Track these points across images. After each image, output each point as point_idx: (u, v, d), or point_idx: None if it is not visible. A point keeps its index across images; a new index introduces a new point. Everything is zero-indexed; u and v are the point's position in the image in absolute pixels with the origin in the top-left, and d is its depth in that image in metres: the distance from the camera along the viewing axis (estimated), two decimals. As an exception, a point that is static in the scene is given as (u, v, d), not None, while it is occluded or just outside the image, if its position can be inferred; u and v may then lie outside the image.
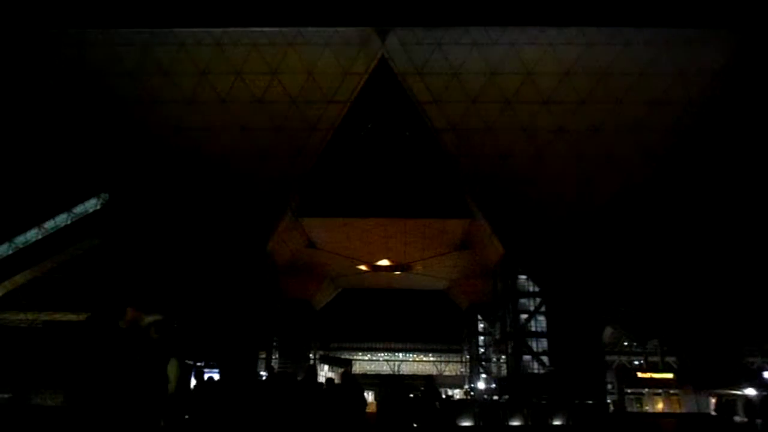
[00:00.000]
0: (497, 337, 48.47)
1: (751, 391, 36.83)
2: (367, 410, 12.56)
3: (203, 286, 38.32)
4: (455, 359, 78.72)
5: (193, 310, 38.44)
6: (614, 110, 34.39)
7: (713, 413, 35.65)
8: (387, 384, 12.15)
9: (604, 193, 36.96)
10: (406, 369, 76.09)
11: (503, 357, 43.78)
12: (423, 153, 38.99)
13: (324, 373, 68.19)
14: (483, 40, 33.12)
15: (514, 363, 39.21)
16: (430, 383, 13.20)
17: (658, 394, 47.06)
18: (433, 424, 11.91)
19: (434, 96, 34.42)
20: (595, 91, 33.97)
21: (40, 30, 33.36)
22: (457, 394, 65.48)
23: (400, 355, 79.77)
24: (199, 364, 34.31)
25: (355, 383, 12.10)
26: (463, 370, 75.00)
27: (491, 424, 27.77)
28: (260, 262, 39.77)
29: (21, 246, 46.76)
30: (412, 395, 12.88)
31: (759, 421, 18.83)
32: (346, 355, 77.87)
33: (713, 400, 45.32)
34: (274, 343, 47.70)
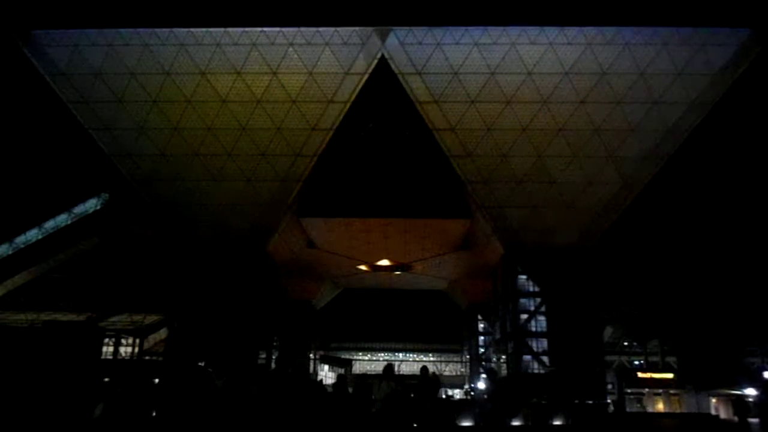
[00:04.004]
0: (497, 337, 48.45)
1: (751, 391, 36.86)
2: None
3: (204, 286, 38.33)
4: (455, 359, 78.73)
5: (193, 310, 38.46)
6: (614, 110, 34.37)
7: (733, 416, 35.47)
8: (389, 378, 11.48)
9: (604, 194, 36.93)
10: (406, 369, 76.08)
11: (503, 357, 43.74)
12: (423, 153, 38.96)
13: (324, 372, 68.20)
14: (483, 40, 33.14)
15: (514, 363, 39.18)
16: (424, 374, 12.68)
17: (658, 394, 47.08)
18: (431, 422, 11.79)
19: (434, 96, 34.41)
20: (595, 91, 33.96)
21: (38, 29, 33.42)
22: (457, 394, 65.45)
23: (400, 355, 79.74)
24: (200, 364, 34.32)
25: (363, 383, 12.03)
26: (463, 370, 74.98)
27: (491, 424, 27.72)
28: (261, 262, 39.77)
29: (21, 246, 46.80)
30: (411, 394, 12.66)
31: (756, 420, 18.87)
32: (346, 355, 77.86)
33: (713, 401, 45.34)
34: (275, 343, 47.64)
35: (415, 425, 12.14)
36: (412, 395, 11.90)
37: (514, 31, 33.00)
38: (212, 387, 10.07)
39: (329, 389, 13.06)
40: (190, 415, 9.19)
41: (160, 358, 44.83)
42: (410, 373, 65.41)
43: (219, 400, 9.62)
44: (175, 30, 32.99)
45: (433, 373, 13.72)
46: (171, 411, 9.09)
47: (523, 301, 40.60)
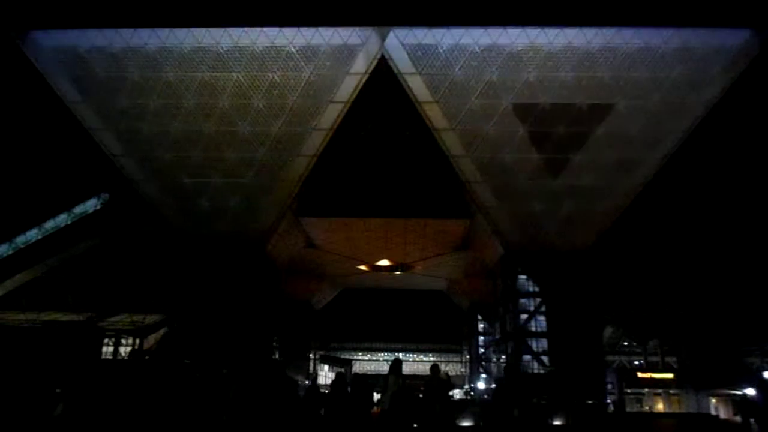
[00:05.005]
0: (497, 337, 48.48)
1: (750, 392, 36.82)
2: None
3: (204, 286, 38.31)
4: (455, 359, 78.81)
5: (193, 310, 38.46)
6: (614, 111, 34.32)
7: (734, 416, 35.44)
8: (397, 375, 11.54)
9: (604, 194, 36.91)
10: (407, 369, 76.15)
11: (503, 357, 43.75)
12: (423, 153, 38.96)
13: (324, 372, 68.20)
14: (483, 40, 33.11)
15: (514, 363, 39.19)
16: (434, 372, 12.69)
17: (658, 394, 47.16)
18: (435, 423, 11.79)
19: (434, 96, 34.40)
20: (594, 93, 33.92)
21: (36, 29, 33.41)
22: (457, 394, 65.51)
23: (400, 355, 79.84)
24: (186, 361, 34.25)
25: (364, 383, 12.06)
26: (463, 370, 75.06)
27: (491, 424, 27.74)
28: (260, 262, 39.77)
29: (21, 246, 46.80)
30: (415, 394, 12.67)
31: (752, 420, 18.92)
32: (346, 355, 77.92)
33: (713, 401, 45.32)
34: (275, 343, 47.65)
35: (415, 425, 12.13)
36: (418, 395, 11.93)
37: (514, 32, 32.96)
38: (194, 387, 10.09)
39: (324, 389, 13.09)
40: (167, 415, 9.20)
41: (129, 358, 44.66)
42: (410, 373, 65.45)
43: (202, 401, 9.63)
44: (175, 30, 32.94)
45: (445, 373, 13.75)
46: (147, 410, 9.10)
47: (523, 301, 40.62)
